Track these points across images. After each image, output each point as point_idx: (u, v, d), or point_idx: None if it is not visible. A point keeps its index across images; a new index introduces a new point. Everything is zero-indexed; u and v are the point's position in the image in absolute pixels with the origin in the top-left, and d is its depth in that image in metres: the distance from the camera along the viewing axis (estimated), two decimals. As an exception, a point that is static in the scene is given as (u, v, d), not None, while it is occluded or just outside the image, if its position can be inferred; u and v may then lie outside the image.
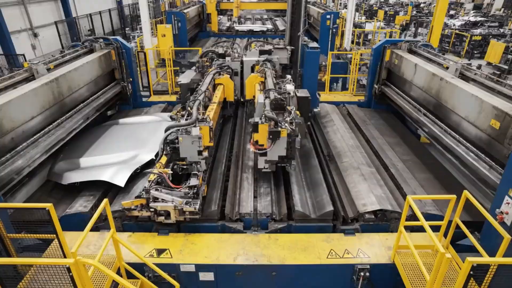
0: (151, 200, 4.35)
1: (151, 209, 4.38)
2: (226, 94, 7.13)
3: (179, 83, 6.82)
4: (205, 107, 5.66)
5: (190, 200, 4.35)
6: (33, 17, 17.83)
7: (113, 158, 5.59)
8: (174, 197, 4.34)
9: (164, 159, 4.85)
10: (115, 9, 27.52)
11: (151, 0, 28.43)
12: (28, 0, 17.49)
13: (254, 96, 6.98)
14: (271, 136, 4.76)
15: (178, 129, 4.73)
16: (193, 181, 4.58)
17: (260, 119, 4.83)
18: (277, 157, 4.97)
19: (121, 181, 5.11)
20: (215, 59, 7.74)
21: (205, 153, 4.85)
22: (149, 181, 4.50)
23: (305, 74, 7.69)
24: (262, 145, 4.89)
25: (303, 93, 5.43)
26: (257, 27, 17.19)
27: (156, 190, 4.38)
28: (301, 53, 7.91)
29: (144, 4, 13.02)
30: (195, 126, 4.68)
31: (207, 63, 7.72)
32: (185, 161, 4.87)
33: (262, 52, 7.64)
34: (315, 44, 7.73)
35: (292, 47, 7.92)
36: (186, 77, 6.92)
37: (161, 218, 4.43)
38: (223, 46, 8.23)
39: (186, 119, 4.91)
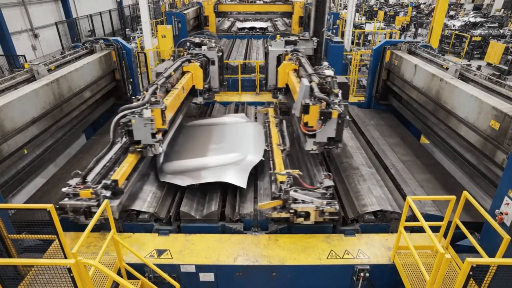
0: (290, 201, 4.31)
1: (291, 211, 4.34)
2: (194, 82, 7.19)
3: (152, 71, 6.88)
4: (167, 92, 5.73)
5: (330, 200, 4.34)
6: (34, 18, 17.85)
7: (224, 160, 5.54)
8: (313, 198, 4.32)
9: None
10: (115, 10, 27.55)
11: (151, 1, 28.47)
12: (29, 1, 17.51)
13: (286, 84, 7.15)
14: (322, 117, 4.70)
15: (132, 112, 4.75)
16: (327, 182, 4.53)
17: (311, 100, 4.78)
18: (326, 139, 4.92)
19: (242, 183, 5.10)
20: (191, 48, 7.82)
21: (159, 136, 4.88)
22: (282, 182, 4.48)
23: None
24: (312, 127, 4.83)
25: (341, 79, 5.46)
26: (258, 24, 17.36)
27: (295, 191, 4.34)
28: (325, 47, 8.33)
29: (145, 5, 13.03)
30: (146, 108, 4.69)
31: (183, 52, 7.78)
32: (140, 144, 4.90)
33: (288, 43, 7.78)
34: (339, 39, 7.99)
35: (318, 39, 8.19)
36: (162, 66, 7.00)
37: (300, 219, 4.37)
38: (200, 37, 8.34)
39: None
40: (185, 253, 4.23)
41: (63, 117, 6.11)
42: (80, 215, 4.24)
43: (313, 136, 4.89)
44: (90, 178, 4.54)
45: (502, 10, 32.62)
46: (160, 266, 3.90)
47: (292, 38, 7.91)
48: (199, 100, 7.66)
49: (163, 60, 12.64)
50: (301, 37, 8.05)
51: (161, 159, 5.69)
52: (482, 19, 26.73)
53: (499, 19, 27.21)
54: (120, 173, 4.61)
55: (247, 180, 5.57)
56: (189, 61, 7.10)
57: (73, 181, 4.43)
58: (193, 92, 7.43)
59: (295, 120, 5.85)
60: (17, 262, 3.57)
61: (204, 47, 7.69)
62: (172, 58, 7.72)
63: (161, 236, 4.50)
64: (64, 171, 5.84)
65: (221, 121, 7.31)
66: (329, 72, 5.47)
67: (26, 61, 14.48)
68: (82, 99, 6.75)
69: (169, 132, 5.76)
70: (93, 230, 3.75)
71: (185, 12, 13.08)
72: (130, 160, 4.94)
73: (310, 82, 5.14)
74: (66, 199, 4.29)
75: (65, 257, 3.42)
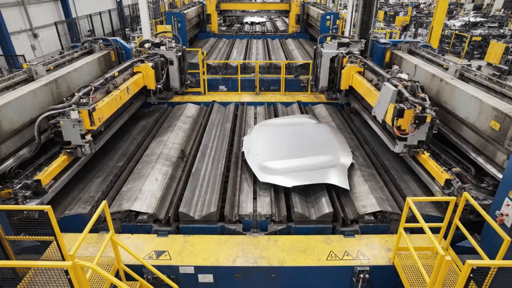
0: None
1: (465, 207, 4.35)
2: (146, 82, 7.33)
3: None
4: (108, 93, 5.85)
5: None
6: (33, 18, 17.81)
7: (323, 161, 5.54)
8: (485, 195, 4.36)
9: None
10: (115, 10, 27.51)
11: (151, 1, 28.42)
12: (28, 1, 17.48)
13: (350, 86, 7.45)
14: (416, 121, 4.84)
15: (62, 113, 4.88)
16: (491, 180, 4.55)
17: (405, 104, 4.94)
18: (416, 142, 5.08)
19: (346, 184, 5.15)
20: (150, 48, 7.91)
21: (88, 137, 5.00)
22: (448, 180, 4.56)
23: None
24: (404, 130, 4.99)
25: (418, 82, 5.62)
26: (257, 18, 19.40)
27: (469, 188, 4.38)
28: (371, 48, 8.74)
29: (144, 4, 12.99)
30: (73, 110, 4.77)
31: (145, 52, 7.88)
32: (71, 144, 5.00)
33: (340, 45, 7.97)
34: (385, 40, 8.44)
35: (366, 40, 8.51)
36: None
37: (472, 216, 4.44)
38: (161, 37, 8.44)
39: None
40: (184, 254, 4.21)
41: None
42: None
43: (404, 139, 5.08)
44: (17, 179, 4.52)
45: (502, 10, 32.58)
46: (158, 267, 3.88)
47: (344, 40, 8.10)
48: (153, 100, 7.91)
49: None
50: (351, 39, 8.22)
51: (252, 161, 5.69)
52: (482, 19, 26.70)
53: (499, 19, 27.18)
54: (45, 173, 4.60)
55: (247, 180, 5.57)
56: (142, 61, 7.20)
57: None
58: (146, 92, 7.63)
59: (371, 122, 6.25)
60: (13, 264, 3.54)
61: (162, 47, 7.79)
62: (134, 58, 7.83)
63: (160, 237, 4.48)
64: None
65: (294, 122, 7.31)
66: (404, 75, 5.61)
67: (25, 61, 14.46)
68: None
69: (106, 133, 5.91)
70: (91, 231, 3.73)
71: (184, 12, 13.06)
72: (59, 161, 4.96)
73: (396, 86, 5.27)
74: None
75: (63, 259, 3.39)
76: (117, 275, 3.86)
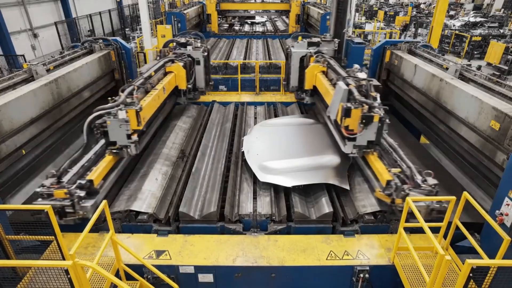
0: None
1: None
2: (177, 82, 7.28)
3: (138, 71, 6.94)
4: (146, 93, 5.83)
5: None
6: (33, 18, 17.83)
7: (322, 161, 5.54)
8: (423, 195, 4.29)
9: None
10: (115, 10, 27.52)
11: (151, 1, 28.44)
12: (28, 1, 17.49)
13: (314, 86, 7.28)
14: (363, 121, 4.76)
15: (109, 113, 4.83)
16: (431, 180, 4.44)
17: (352, 103, 4.83)
18: (366, 142, 4.99)
19: (346, 184, 5.14)
20: (176, 48, 7.89)
21: (134, 137, 4.94)
22: (389, 180, 4.49)
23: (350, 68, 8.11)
24: (352, 130, 4.90)
25: (373, 82, 5.56)
26: (258, 18, 19.64)
27: (409, 189, 4.31)
28: (345, 47, 8.54)
29: (144, 4, 13.01)
30: (121, 110, 4.74)
31: (170, 52, 7.86)
32: (116, 145, 4.95)
33: (310, 44, 7.87)
34: (360, 40, 8.30)
35: (339, 40, 8.34)
36: (146, 67, 7.03)
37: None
38: (185, 37, 8.39)
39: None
40: (184, 254, 4.21)
41: (62, 117, 6.09)
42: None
43: (353, 139, 4.96)
44: (66, 178, 4.45)
45: (502, 10, 32.60)
46: (158, 267, 3.88)
47: (314, 39, 8.00)
48: (183, 100, 7.83)
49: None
50: (323, 39, 8.14)
51: (252, 161, 5.68)
52: (482, 19, 26.71)
53: (499, 19, 27.19)
54: (96, 173, 4.60)
55: (247, 180, 5.58)
56: (172, 61, 7.16)
57: (47, 182, 4.37)
58: (176, 92, 7.53)
59: (327, 122, 6.00)
60: (14, 264, 3.55)
61: (189, 47, 7.75)
62: (158, 58, 7.78)
63: (160, 237, 4.48)
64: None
65: (293, 122, 7.30)
66: (362, 75, 5.52)
67: (25, 61, 14.47)
68: (81, 99, 6.74)
69: (147, 133, 5.85)
70: (91, 231, 3.74)
71: (184, 11, 13.07)
72: (107, 161, 4.94)
73: (348, 85, 5.19)
74: (40, 199, 4.22)
75: (63, 258, 3.39)
76: (117, 275, 3.87)
